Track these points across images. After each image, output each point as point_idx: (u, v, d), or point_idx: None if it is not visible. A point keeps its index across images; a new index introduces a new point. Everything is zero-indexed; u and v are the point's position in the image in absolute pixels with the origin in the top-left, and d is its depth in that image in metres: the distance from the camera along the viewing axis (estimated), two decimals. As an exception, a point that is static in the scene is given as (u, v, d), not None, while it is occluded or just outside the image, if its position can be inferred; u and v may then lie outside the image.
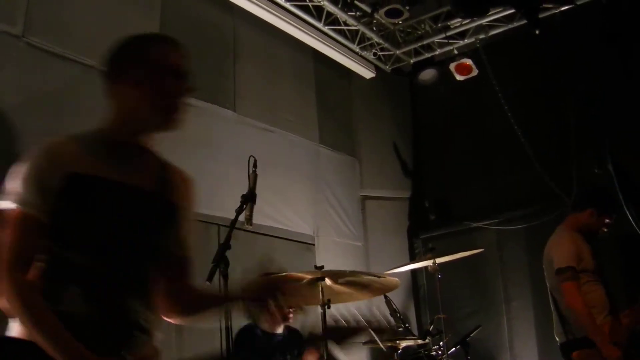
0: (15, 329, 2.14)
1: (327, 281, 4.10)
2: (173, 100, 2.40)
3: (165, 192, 2.43)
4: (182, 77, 2.40)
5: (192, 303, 2.53)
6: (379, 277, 4.12)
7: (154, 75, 2.36)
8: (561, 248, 5.09)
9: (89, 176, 2.24)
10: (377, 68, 8.69)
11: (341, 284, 4.17)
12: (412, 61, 8.87)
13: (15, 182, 2.18)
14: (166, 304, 2.47)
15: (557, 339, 5.14)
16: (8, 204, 2.18)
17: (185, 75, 2.41)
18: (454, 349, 5.52)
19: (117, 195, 2.28)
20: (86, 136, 2.35)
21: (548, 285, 5.20)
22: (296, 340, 5.29)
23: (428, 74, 8.65)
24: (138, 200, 2.32)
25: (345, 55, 8.16)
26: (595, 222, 5.20)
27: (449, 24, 8.28)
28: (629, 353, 4.76)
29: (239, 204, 3.00)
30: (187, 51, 2.45)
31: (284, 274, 3.84)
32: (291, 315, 5.22)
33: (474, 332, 5.66)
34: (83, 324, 2.10)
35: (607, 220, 5.21)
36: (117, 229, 2.25)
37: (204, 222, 5.67)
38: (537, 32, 7.33)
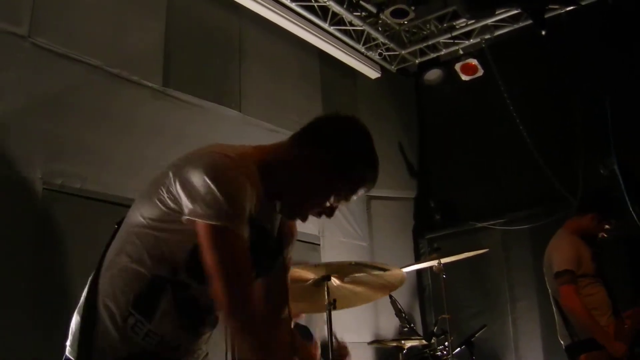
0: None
1: (333, 281, 4.10)
2: (310, 212, 2.32)
3: (280, 241, 2.44)
4: (333, 210, 2.32)
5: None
6: (385, 270, 4.11)
7: (331, 186, 2.26)
8: (560, 252, 5.11)
9: (254, 221, 2.17)
10: (382, 68, 8.68)
11: (347, 282, 4.16)
12: (417, 61, 8.86)
13: (220, 197, 2.02)
14: None
15: (562, 341, 5.15)
16: (209, 220, 2.03)
17: (333, 211, 2.33)
18: (459, 349, 5.52)
19: (259, 239, 2.24)
20: (252, 165, 2.21)
21: (549, 288, 5.21)
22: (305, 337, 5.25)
23: (433, 74, 8.65)
24: (269, 249, 2.33)
25: (351, 56, 8.16)
26: (595, 227, 5.22)
27: (454, 24, 8.28)
28: (634, 352, 4.76)
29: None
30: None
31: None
32: None
33: (479, 332, 5.66)
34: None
35: (607, 226, 5.22)
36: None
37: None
38: (543, 32, 7.33)
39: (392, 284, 4.33)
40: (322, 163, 2.24)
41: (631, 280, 6.59)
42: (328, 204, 2.29)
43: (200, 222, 2.03)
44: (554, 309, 5.17)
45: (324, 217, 2.36)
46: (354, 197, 2.31)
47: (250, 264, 2.09)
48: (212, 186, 2.01)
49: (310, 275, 4.11)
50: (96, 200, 4.99)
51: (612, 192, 5.56)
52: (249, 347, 2.04)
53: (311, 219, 2.37)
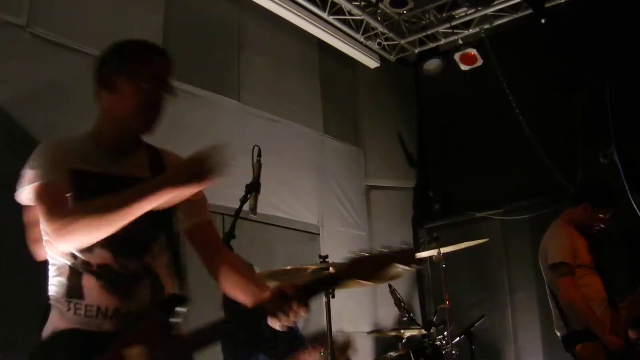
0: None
1: (332, 270, 4.09)
2: (150, 107, 2.53)
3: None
4: (161, 83, 2.55)
5: (230, 278, 2.64)
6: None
7: (133, 83, 2.51)
8: (556, 243, 5.08)
9: (84, 171, 2.46)
10: (381, 58, 8.67)
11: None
12: (416, 51, 8.86)
13: (32, 169, 2.44)
14: (211, 272, 2.67)
15: (558, 332, 5.14)
16: (27, 189, 2.45)
17: (164, 81, 2.57)
18: (458, 338, 5.52)
19: (108, 185, 2.42)
20: (78, 138, 2.62)
21: (545, 279, 5.19)
22: (287, 335, 5.10)
23: (433, 64, 8.64)
24: (129, 187, 2.39)
25: (350, 45, 8.14)
26: (589, 217, 5.14)
27: (453, 13, 8.27)
28: (630, 345, 4.76)
29: (243, 193, 3.01)
30: (169, 58, 2.66)
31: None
32: None
33: (478, 322, 5.67)
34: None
35: (601, 215, 5.15)
36: None
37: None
38: (542, 21, 7.32)
39: (391, 276, 4.31)
40: (109, 79, 2.54)
41: (630, 271, 6.59)
42: (147, 95, 2.51)
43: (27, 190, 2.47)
44: (550, 299, 5.16)
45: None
46: (154, 75, 2.55)
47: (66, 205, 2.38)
48: (28, 163, 2.47)
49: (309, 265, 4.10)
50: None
51: (606, 181, 5.54)
52: (89, 218, 2.27)
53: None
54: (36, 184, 2.41)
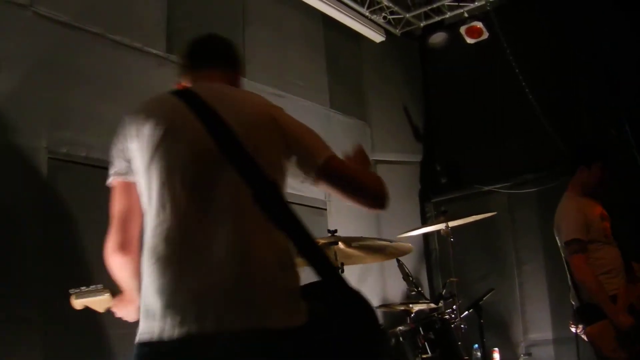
0: None
1: (340, 245, 4.08)
2: None
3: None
4: None
5: None
6: (392, 242, 4.09)
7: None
8: (567, 219, 5.07)
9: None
10: (387, 32, 8.61)
11: (355, 247, 4.14)
12: (422, 25, 8.80)
13: None
14: None
15: (572, 302, 5.14)
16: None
17: None
18: (466, 312, 5.53)
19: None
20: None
21: (562, 252, 5.17)
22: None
23: (438, 38, 8.60)
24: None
25: (355, 19, 8.07)
26: (589, 177, 5.14)
27: (459, -14, 8.21)
28: None
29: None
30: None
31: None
32: None
33: (487, 296, 5.67)
34: None
35: (598, 171, 5.13)
36: None
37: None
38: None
39: (400, 252, 4.30)
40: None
41: None
42: None
43: None
44: (567, 272, 5.13)
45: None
46: None
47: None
48: None
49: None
50: (102, 169, 4.95)
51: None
52: None
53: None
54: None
